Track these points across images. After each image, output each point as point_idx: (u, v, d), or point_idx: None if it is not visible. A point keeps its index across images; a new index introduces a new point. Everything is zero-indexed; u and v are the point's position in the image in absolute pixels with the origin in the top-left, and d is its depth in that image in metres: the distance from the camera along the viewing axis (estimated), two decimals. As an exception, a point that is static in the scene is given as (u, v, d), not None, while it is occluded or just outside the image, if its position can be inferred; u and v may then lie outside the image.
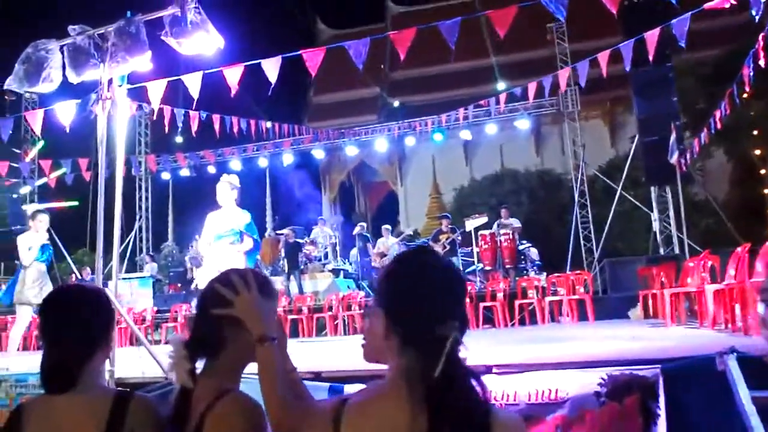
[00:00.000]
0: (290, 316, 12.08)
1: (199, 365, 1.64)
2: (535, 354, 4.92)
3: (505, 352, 5.11)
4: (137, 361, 6.46)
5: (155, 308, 12.87)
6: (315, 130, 18.26)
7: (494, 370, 4.80)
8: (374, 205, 26.57)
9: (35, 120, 6.53)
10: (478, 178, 20.20)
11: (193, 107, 6.52)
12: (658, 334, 6.64)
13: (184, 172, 18.02)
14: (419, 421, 1.18)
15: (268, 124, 13.78)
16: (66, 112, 6.25)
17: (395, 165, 24.39)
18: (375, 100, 24.62)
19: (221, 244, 6.33)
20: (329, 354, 6.61)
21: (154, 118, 8.18)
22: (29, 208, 15.98)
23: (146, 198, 18.55)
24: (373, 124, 20.18)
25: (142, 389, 5.50)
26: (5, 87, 5.43)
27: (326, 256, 14.35)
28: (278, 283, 12.87)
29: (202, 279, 7.34)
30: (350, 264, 14.75)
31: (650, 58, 8.80)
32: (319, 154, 18.61)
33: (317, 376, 5.23)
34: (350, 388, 4.16)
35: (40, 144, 16.03)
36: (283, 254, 13.71)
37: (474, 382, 1.22)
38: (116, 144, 5.80)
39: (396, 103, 20.18)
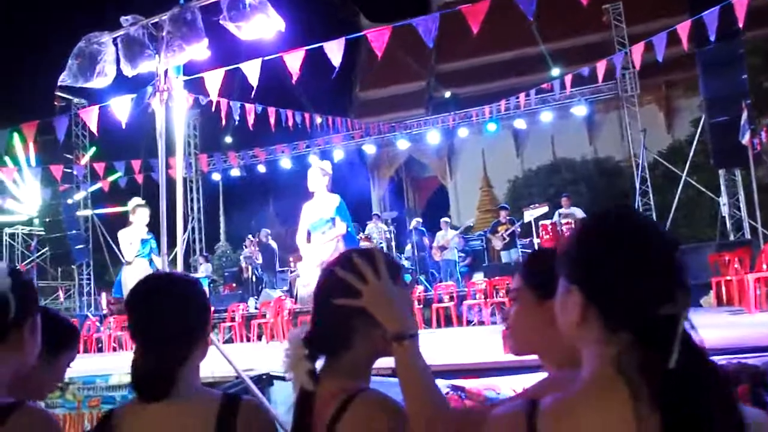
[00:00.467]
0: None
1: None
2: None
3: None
4: (206, 360, 6.35)
5: (212, 308, 12.81)
6: (366, 124, 18.07)
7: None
8: (424, 200, 26.26)
9: (90, 118, 6.45)
10: (531, 169, 19.69)
11: (252, 96, 6.30)
12: (747, 321, 6.32)
13: (235, 172, 18.03)
14: (649, 425, 0.88)
15: (319, 119, 13.61)
16: (122, 108, 6.14)
17: (444, 159, 24.01)
18: (422, 94, 24.30)
19: (315, 236, 6.11)
20: (425, 345, 6.36)
21: (213, 109, 8.02)
22: (83, 213, 16.25)
23: (198, 199, 18.71)
24: (423, 117, 19.91)
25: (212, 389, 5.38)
26: (59, 83, 5.30)
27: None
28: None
29: (303, 278, 7.13)
30: (406, 259, 14.48)
31: (713, 37, 8.38)
32: (370, 149, 18.41)
33: (395, 372, 4.97)
34: (470, 384, 3.91)
35: (92, 150, 16.23)
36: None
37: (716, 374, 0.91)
38: (174, 138, 5.64)
39: (448, 94, 19.78)
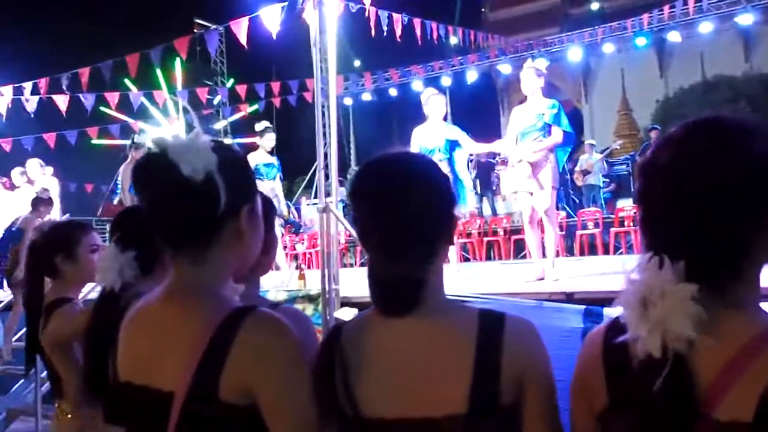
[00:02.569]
0: (485, 238, 11.61)
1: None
2: None
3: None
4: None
5: (348, 232, 12.90)
6: (500, 44, 17.23)
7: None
8: (556, 124, 25.15)
9: (240, 30, 6.30)
10: (682, 87, 18.12)
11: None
12: None
13: (366, 96, 17.83)
14: None
15: (454, 40, 13.00)
16: (272, 18, 5.95)
17: (579, 81, 22.66)
18: (557, 12, 22.91)
19: (525, 143, 5.62)
20: (569, 273, 6.00)
21: (367, 15, 7.69)
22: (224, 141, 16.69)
23: (328, 124, 18.38)
24: (559, 35, 18.74)
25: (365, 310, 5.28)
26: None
27: (518, 176, 13.56)
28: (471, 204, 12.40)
29: (507, 187, 6.76)
30: (543, 184, 13.91)
31: None
32: (505, 69, 17.60)
33: (569, 297, 4.65)
34: (610, 312, 3.51)
35: (230, 82, 16.48)
36: (474, 174, 13.09)
37: None
38: (327, 48, 5.39)
39: (596, 6, 18.36)
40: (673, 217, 0.97)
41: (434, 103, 6.15)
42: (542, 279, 5.49)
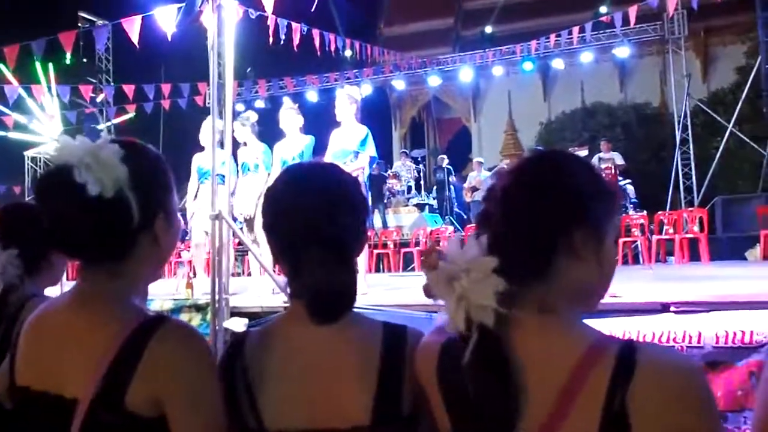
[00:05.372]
0: (375, 251, 11.71)
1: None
2: (721, 291, 4.28)
3: (683, 289, 4.51)
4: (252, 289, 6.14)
5: (237, 240, 12.62)
6: (394, 60, 17.52)
7: (672, 308, 4.24)
8: (445, 141, 25.70)
9: (132, 28, 6.02)
10: (565, 112, 19.13)
11: (312, 9, 5.87)
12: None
13: (259, 104, 17.54)
14: None
15: (349, 52, 13.08)
16: (167, 19, 5.74)
17: (469, 100, 23.42)
18: (449, 32, 23.54)
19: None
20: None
21: (268, 23, 7.56)
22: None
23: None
24: (452, 54, 19.29)
25: (256, 320, 5.17)
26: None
27: (409, 189, 13.80)
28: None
29: None
30: (433, 198, 14.20)
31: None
32: (399, 84, 17.90)
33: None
34: None
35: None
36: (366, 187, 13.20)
37: None
38: (225, 52, 5.28)
39: (489, 29, 18.98)
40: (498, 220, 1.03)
41: (284, 117, 6.35)
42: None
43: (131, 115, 15.11)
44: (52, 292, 1.88)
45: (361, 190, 1.31)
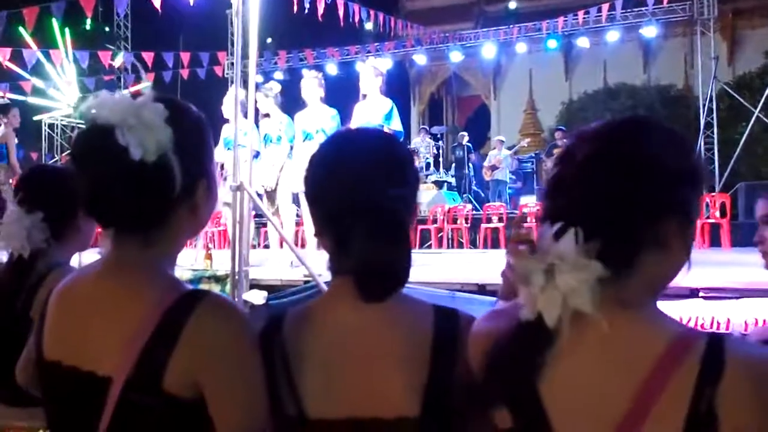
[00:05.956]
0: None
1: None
2: (749, 278, 4.18)
3: (709, 274, 4.41)
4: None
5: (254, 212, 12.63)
6: (416, 34, 17.31)
7: (701, 293, 4.17)
8: (464, 118, 25.51)
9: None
10: (587, 92, 18.86)
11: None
12: None
13: (277, 75, 17.42)
14: None
15: (369, 25, 12.92)
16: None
17: (489, 78, 23.15)
18: (472, 7, 23.21)
19: None
20: (471, 266, 6.10)
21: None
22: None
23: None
24: (474, 30, 19.03)
25: (275, 293, 5.15)
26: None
27: (428, 166, 13.69)
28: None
29: None
30: (452, 176, 14.08)
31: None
32: (420, 59, 17.71)
33: (481, 289, 4.70)
34: None
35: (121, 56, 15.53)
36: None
37: None
38: (249, 19, 5.17)
39: (513, 5, 18.68)
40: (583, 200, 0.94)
41: (306, 86, 6.17)
42: None
43: (148, 84, 15.05)
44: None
45: (414, 160, 1.23)
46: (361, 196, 1.09)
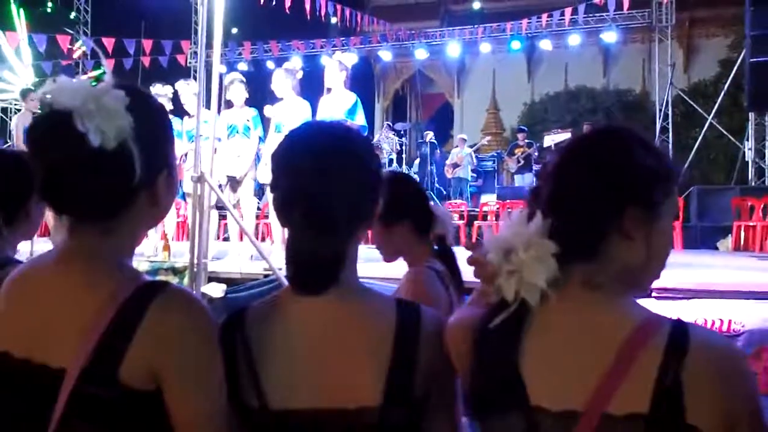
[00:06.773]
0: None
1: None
2: (703, 279, 4.32)
3: (663, 274, 4.53)
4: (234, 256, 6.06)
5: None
6: (382, 30, 17.33)
7: (653, 294, 4.28)
8: (427, 116, 25.64)
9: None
10: (548, 94, 19.16)
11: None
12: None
13: (241, 66, 17.24)
14: None
15: (334, 20, 12.88)
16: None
17: (453, 76, 23.33)
18: (438, 6, 23.32)
19: None
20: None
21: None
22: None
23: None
24: (439, 28, 19.14)
25: (234, 286, 5.11)
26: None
27: (390, 162, 13.72)
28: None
29: None
30: (414, 173, 14.13)
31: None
32: (386, 55, 17.74)
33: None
34: None
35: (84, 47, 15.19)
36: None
37: None
38: (215, 9, 5.12)
39: (477, 5, 18.84)
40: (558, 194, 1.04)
41: (277, 80, 6.17)
42: None
43: (101, 71, 14.75)
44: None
45: (373, 157, 1.21)
46: (296, 190, 1.11)
